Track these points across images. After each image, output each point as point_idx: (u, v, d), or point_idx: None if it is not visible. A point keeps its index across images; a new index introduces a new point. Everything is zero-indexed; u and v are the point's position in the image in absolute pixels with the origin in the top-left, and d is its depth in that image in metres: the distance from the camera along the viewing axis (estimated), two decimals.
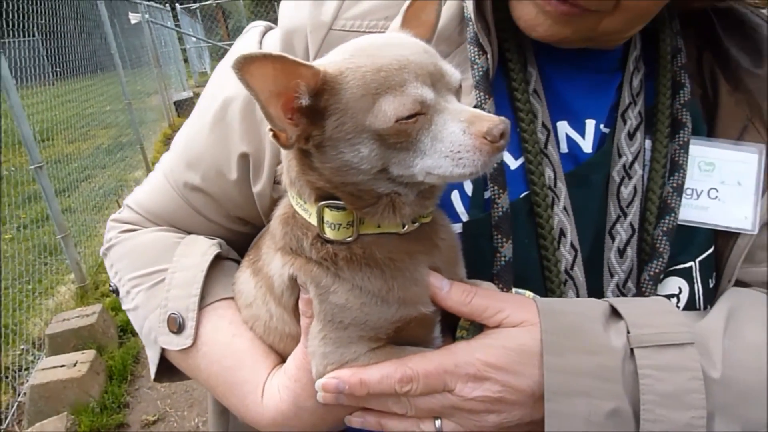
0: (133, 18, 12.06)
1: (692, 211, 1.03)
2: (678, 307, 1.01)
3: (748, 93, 1.05)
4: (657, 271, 0.99)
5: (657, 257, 0.99)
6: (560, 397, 0.82)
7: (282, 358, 1.04)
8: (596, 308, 0.89)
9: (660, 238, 0.99)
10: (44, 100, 7.41)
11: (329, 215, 0.87)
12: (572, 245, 0.99)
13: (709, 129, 1.07)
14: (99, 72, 10.09)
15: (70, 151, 7.77)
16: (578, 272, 0.99)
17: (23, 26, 6.10)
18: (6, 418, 3.96)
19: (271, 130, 0.79)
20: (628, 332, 0.85)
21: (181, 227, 1.23)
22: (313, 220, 0.88)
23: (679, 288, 1.01)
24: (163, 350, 1.11)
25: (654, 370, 0.82)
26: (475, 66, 0.99)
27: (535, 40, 0.99)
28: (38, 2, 6.69)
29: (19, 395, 4.15)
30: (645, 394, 0.81)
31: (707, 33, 1.12)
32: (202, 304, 1.09)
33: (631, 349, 0.84)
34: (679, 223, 1.00)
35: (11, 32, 6.25)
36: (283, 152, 0.92)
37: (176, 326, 1.08)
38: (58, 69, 7.76)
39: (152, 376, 1.17)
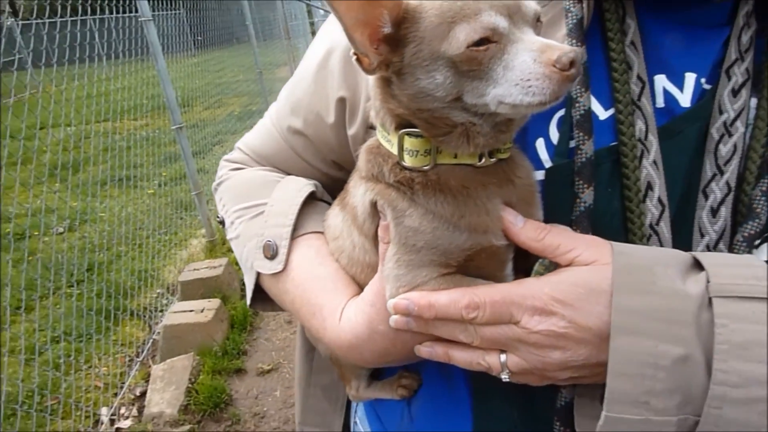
0: None
1: None
2: None
3: None
4: (752, 232, 0.93)
5: (753, 218, 0.93)
6: (626, 337, 0.80)
7: (362, 289, 1.09)
8: (676, 256, 0.86)
9: (759, 198, 0.93)
10: (186, 69, 8.00)
11: (408, 142, 0.91)
12: (659, 200, 0.95)
13: None
14: (234, 43, 10.72)
15: (205, 117, 8.37)
16: (664, 228, 0.95)
17: (170, 0, 6.59)
18: (142, 352, 4.42)
19: (354, 54, 0.85)
20: (708, 282, 0.81)
21: (282, 169, 1.33)
22: (394, 149, 0.93)
23: None
24: (257, 277, 1.21)
25: (732, 321, 0.77)
26: (569, 14, 0.97)
27: None
28: None
29: (153, 333, 4.60)
30: (720, 343, 0.76)
31: None
32: (294, 234, 1.17)
33: (710, 299, 0.79)
34: None
35: (160, 5, 6.79)
36: (370, 85, 0.97)
37: (270, 253, 1.16)
38: (199, 38, 8.31)
39: (248, 302, 1.27)
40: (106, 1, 5.66)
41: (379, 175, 0.96)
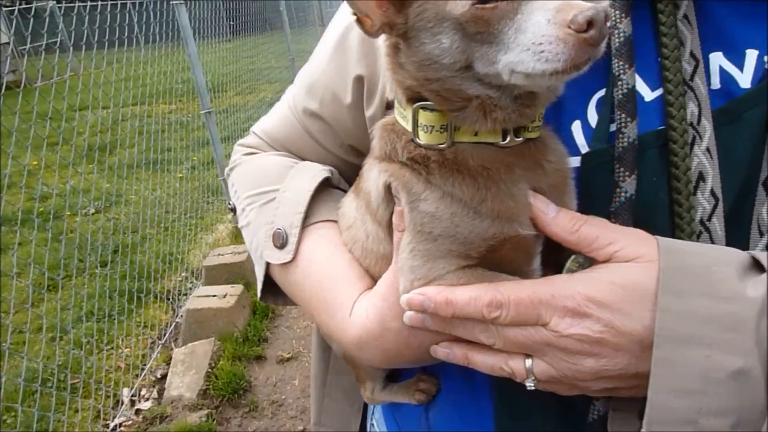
0: None
1: None
2: None
3: None
4: None
5: None
6: (673, 345, 0.70)
7: (375, 282, 1.01)
8: (731, 255, 0.75)
9: None
10: (218, 54, 8.04)
11: (423, 117, 0.83)
12: (712, 193, 0.85)
13: None
14: (268, 30, 10.75)
15: (237, 103, 8.41)
16: (717, 224, 0.85)
17: None
18: (165, 335, 4.45)
19: (354, 14, 0.78)
20: None
21: (297, 154, 1.26)
22: (409, 125, 0.85)
23: None
24: (268, 268, 1.14)
25: None
26: None
27: None
28: None
29: (177, 316, 4.63)
30: None
31: None
32: (306, 223, 1.10)
33: None
34: None
35: None
36: (382, 55, 0.90)
37: (280, 242, 1.10)
38: (232, 23, 8.35)
39: (258, 293, 1.20)
40: None
41: (392, 154, 0.88)
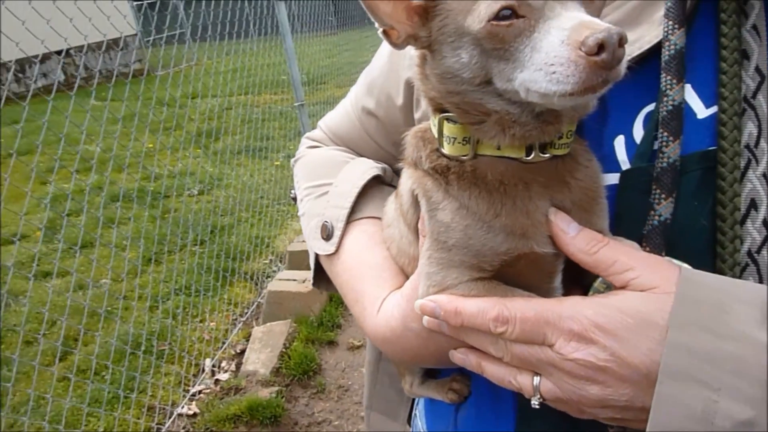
0: None
1: None
2: None
3: None
4: None
5: None
6: (678, 384, 0.66)
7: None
8: (760, 294, 0.70)
9: None
10: (324, 47, 8.31)
11: (447, 128, 0.84)
12: (765, 223, 0.79)
13: None
14: (366, 24, 10.94)
15: (335, 95, 8.67)
16: (766, 258, 0.79)
17: None
18: (247, 313, 4.76)
19: (380, 26, 0.80)
20: None
21: (355, 150, 1.33)
22: (436, 134, 0.86)
23: None
24: (317, 257, 1.22)
25: None
26: None
27: None
28: None
29: (260, 297, 4.93)
30: None
31: None
32: (352, 217, 1.15)
33: None
34: None
35: None
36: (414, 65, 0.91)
37: (326, 233, 1.16)
38: (338, 17, 8.60)
39: (311, 280, 1.29)
40: None
41: (418, 161, 0.90)
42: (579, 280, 0.87)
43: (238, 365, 4.20)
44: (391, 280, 1.06)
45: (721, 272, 0.80)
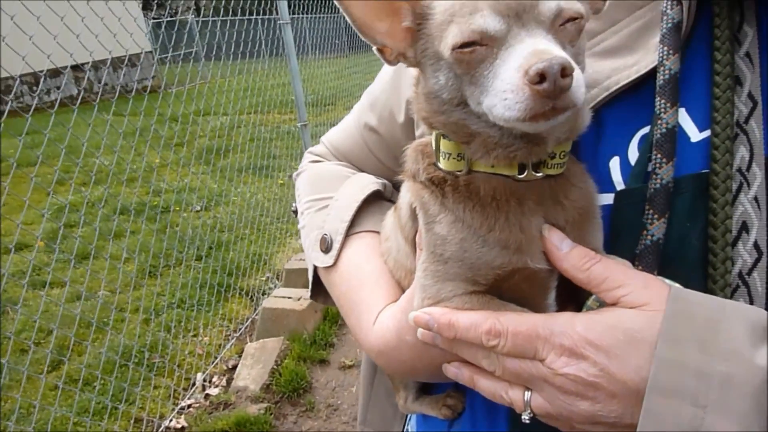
0: None
1: None
2: None
3: None
4: None
5: None
6: (665, 399, 0.67)
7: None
8: (750, 314, 0.70)
9: None
10: (335, 68, 8.43)
11: (443, 143, 0.86)
12: (756, 245, 0.80)
13: None
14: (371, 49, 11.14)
15: (340, 116, 8.78)
16: (757, 280, 0.80)
17: (316, 5, 7.00)
18: (241, 329, 4.79)
19: (373, 44, 0.84)
20: None
21: (356, 165, 1.36)
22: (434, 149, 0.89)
23: None
24: (315, 269, 1.24)
25: None
26: (665, 17, 0.86)
27: None
28: None
29: (255, 313, 4.96)
30: None
31: None
32: (351, 231, 1.17)
33: None
34: None
35: (303, 9, 7.27)
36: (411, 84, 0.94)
37: (325, 246, 1.18)
38: (337, 42, 8.76)
39: (308, 293, 1.31)
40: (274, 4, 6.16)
41: (416, 174, 0.92)
42: (573, 297, 0.88)
43: (230, 380, 4.21)
44: (387, 292, 1.07)
45: (712, 293, 0.80)
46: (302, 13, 7.37)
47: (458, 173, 0.85)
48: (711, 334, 0.68)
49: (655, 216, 0.82)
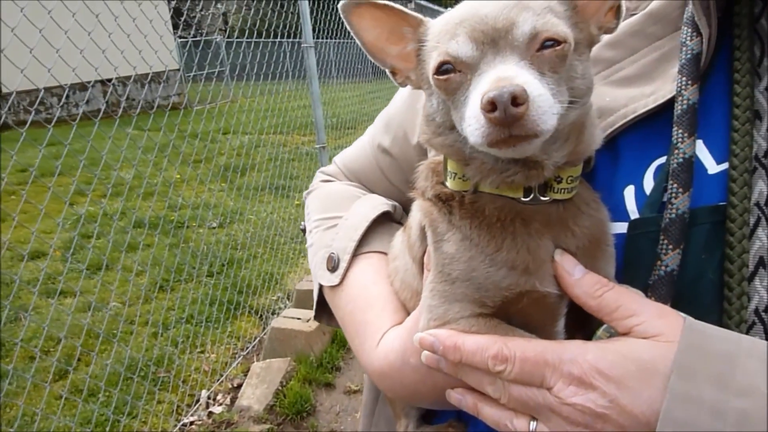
0: None
1: None
2: None
3: None
4: None
5: None
6: None
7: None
8: (767, 350, 0.68)
9: None
10: (358, 94, 8.52)
11: (449, 163, 0.87)
12: None
13: None
14: None
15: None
16: None
17: (337, 32, 7.10)
18: (249, 347, 4.77)
19: (386, 66, 0.89)
20: None
21: (368, 186, 1.36)
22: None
23: None
24: (321, 289, 1.22)
25: None
26: (684, 48, 0.86)
27: None
28: None
29: (263, 332, 4.94)
30: None
31: None
32: (358, 251, 1.16)
33: None
34: None
35: (328, 35, 7.39)
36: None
37: (332, 265, 1.17)
38: (359, 67, 8.86)
39: (313, 313, 1.29)
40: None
41: (425, 191, 0.92)
42: (582, 326, 0.86)
43: (234, 399, 4.18)
44: (393, 314, 1.06)
45: (727, 328, 0.77)
46: (327, 38, 7.48)
47: (464, 193, 0.85)
48: (727, 369, 0.66)
49: (670, 246, 0.81)
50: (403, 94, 1.23)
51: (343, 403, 4.26)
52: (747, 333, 0.77)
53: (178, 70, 8.43)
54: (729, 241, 0.79)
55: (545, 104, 0.68)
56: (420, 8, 11.07)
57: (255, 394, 4.15)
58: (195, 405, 4.03)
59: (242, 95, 6.72)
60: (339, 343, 4.79)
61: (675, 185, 0.82)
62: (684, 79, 0.84)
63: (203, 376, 4.25)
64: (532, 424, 0.76)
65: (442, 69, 0.75)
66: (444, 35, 0.76)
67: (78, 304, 4.71)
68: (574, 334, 0.86)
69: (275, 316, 5.03)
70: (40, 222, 3.63)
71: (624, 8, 0.82)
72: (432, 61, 0.76)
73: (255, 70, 6.21)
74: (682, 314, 0.75)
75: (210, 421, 3.95)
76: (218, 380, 4.30)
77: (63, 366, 3.82)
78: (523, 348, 0.76)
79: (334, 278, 1.15)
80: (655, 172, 0.87)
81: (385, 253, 1.16)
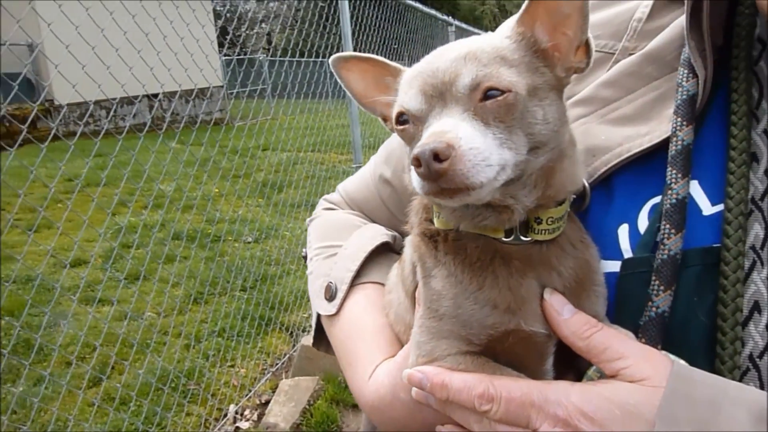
0: None
1: None
2: None
3: None
4: None
5: None
6: None
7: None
8: (755, 398, 0.68)
9: None
10: None
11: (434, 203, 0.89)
12: None
13: None
14: None
15: None
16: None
17: (396, 51, 7.19)
18: (278, 363, 4.78)
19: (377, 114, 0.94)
20: None
21: (369, 215, 1.37)
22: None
23: None
24: (319, 317, 1.24)
25: None
26: (680, 89, 0.87)
27: None
28: (396, 27, 7.81)
29: (293, 349, 4.95)
30: None
31: None
32: (356, 281, 1.17)
33: None
34: None
35: (391, 55, 7.50)
36: None
37: (329, 294, 1.19)
38: None
39: (311, 340, 1.32)
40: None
41: (414, 225, 0.95)
42: (572, 365, 0.86)
43: (261, 416, 4.18)
44: (386, 347, 1.06)
45: (720, 373, 0.76)
46: None
47: (447, 230, 0.86)
48: (711, 417, 0.66)
49: (661, 287, 0.81)
50: None
51: None
52: (741, 378, 0.76)
53: (222, 87, 8.65)
54: (723, 285, 0.78)
55: (476, 158, 0.69)
56: (461, 31, 11.09)
57: (282, 412, 4.15)
58: (222, 419, 4.04)
59: (283, 113, 6.83)
60: None
61: (667, 226, 0.82)
62: (679, 119, 0.85)
63: (232, 390, 4.28)
64: None
65: (400, 120, 0.80)
66: (404, 86, 0.82)
67: (114, 313, 4.81)
68: (564, 372, 0.87)
69: (305, 333, 5.04)
70: (83, 231, 3.73)
71: (593, 46, 0.81)
72: (393, 112, 0.82)
73: (296, 89, 6.33)
74: (672, 358, 0.75)
75: None
76: (246, 395, 4.32)
77: (97, 374, 3.89)
78: (509, 388, 0.76)
79: (330, 308, 1.16)
80: (650, 211, 0.87)
81: (383, 284, 1.16)
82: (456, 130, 0.71)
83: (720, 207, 0.83)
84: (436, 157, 0.68)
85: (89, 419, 3.57)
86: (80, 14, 2.86)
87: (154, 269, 5.38)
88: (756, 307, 0.77)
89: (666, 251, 0.81)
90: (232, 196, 7.24)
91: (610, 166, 0.90)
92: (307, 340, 4.70)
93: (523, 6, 0.80)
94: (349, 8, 5.58)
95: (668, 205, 0.82)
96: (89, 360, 4.24)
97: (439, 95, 0.76)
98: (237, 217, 6.55)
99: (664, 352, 0.78)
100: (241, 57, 7.11)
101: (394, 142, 1.28)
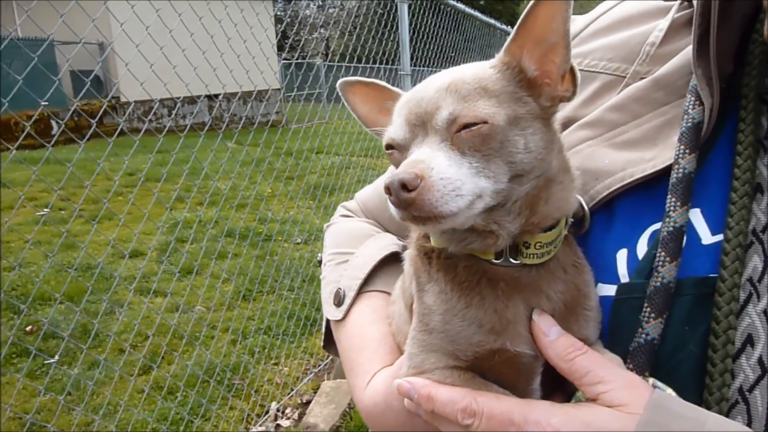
0: None
1: None
2: None
3: None
4: None
5: None
6: None
7: None
8: (735, 430, 0.69)
9: None
10: None
11: None
12: (761, 362, 0.76)
13: None
14: None
15: None
16: (758, 398, 0.76)
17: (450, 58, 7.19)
18: (321, 364, 4.83)
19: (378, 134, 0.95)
20: None
21: (382, 224, 1.40)
22: None
23: None
24: (328, 321, 1.27)
25: None
26: (686, 116, 0.87)
27: None
28: (454, 35, 7.79)
29: None
30: None
31: None
32: (363, 289, 1.20)
33: None
34: None
35: (438, 63, 7.49)
36: None
37: (338, 300, 1.22)
38: None
39: (321, 343, 1.34)
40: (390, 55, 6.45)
41: (412, 241, 0.97)
42: (562, 384, 0.86)
43: (301, 415, 4.23)
44: (386, 356, 1.08)
45: (707, 404, 0.77)
46: (423, 66, 7.59)
47: (440, 249, 0.87)
48: None
49: (652, 315, 0.81)
50: None
51: None
52: (728, 411, 0.76)
53: (280, 89, 8.83)
54: (715, 316, 0.78)
55: (446, 188, 0.71)
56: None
57: (322, 413, 4.18)
58: (264, 416, 4.11)
59: (337, 117, 6.92)
60: None
61: (663, 253, 0.82)
62: (682, 147, 0.84)
63: (275, 388, 4.34)
64: None
65: (389, 145, 0.82)
66: (395, 114, 0.83)
67: (167, 305, 4.95)
68: (552, 392, 0.87)
69: None
70: (142, 224, 3.87)
71: (578, 75, 0.81)
72: (383, 139, 0.84)
73: None
74: (660, 386, 0.76)
75: None
76: (288, 394, 4.37)
77: (147, 362, 4.03)
78: (492, 405, 0.78)
79: (338, 313, 1.19)
80: (650, 237, 0.87)
81: (389, 293, 1.17)
82: (429, 160, 0.74)
83: (720, 237, 0.82)
84: (405, 186, 0.71)
85: (138, 406, 3.69)
86: (151, 15, 2.98)
87: (207, 264, 5.53)
88: (749, 340, 0.77)
89: (660, 279, 0.81)
90: (284, 197, 7.37)
91: (612, 190, 0.90)
92: None
93: (511, 35, 0.81)
94: (408, 15, 5.60)
95: (665, 233, 0.82)
96: (141, 348, 4.39)
97: (422, 124, 0.78)
98: (288, 218, 6.65)
99: (652, 379, 0.79)
100: (300, 61, 7.22)
101: None
